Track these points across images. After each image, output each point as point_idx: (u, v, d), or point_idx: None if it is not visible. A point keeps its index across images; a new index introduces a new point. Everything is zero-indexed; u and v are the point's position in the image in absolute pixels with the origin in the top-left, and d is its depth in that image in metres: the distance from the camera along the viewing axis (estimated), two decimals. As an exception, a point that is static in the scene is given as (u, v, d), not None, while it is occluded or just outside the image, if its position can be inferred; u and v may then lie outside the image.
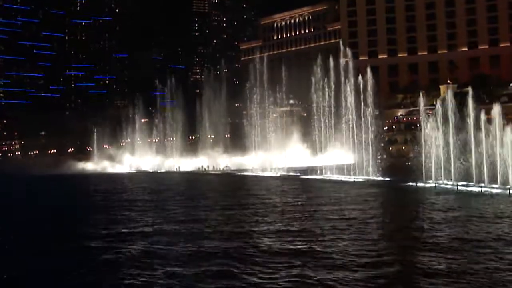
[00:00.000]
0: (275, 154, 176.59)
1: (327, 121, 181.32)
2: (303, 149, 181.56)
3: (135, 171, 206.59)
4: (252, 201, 72.91)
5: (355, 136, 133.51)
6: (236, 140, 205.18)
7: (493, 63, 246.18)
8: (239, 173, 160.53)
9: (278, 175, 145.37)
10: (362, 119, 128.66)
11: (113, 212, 64.69)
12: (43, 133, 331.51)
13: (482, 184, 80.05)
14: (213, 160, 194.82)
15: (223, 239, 43.45)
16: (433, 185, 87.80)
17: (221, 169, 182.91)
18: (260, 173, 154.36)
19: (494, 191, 75.43)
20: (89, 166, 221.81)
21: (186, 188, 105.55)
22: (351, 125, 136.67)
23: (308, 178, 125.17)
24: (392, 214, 58.85)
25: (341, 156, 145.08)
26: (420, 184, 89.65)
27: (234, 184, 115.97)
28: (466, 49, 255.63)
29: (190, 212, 62.48)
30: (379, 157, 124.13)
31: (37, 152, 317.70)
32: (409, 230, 46.27)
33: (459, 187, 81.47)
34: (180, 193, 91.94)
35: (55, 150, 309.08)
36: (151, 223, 54.28)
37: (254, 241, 42.00)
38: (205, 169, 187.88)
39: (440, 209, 59.19)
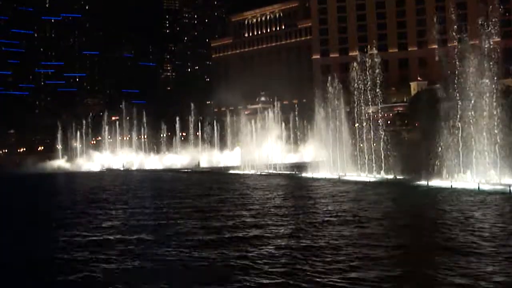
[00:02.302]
0: (249, 152, 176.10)
1: (299, 118, 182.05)
2: (278, 146, 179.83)
3: (105, 170, 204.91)
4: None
5: (327, 133, 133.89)
6: (207, 137, 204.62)
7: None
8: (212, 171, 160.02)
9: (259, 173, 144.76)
10: (335, 116, 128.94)
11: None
12: (12, 131, 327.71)
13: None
14: (185, 157, 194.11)
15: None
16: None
17: (195, 166, 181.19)
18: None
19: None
20: (58, 165, 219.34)
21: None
22: (323, 123, 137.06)
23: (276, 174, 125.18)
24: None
25: (315, 153, 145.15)
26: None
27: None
28: (436, 46, 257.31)
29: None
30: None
31: (6, 150, 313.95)
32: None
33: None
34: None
35: (24, 149, 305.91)
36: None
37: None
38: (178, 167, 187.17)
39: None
